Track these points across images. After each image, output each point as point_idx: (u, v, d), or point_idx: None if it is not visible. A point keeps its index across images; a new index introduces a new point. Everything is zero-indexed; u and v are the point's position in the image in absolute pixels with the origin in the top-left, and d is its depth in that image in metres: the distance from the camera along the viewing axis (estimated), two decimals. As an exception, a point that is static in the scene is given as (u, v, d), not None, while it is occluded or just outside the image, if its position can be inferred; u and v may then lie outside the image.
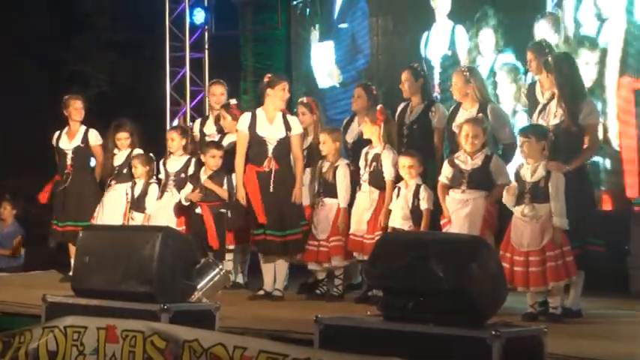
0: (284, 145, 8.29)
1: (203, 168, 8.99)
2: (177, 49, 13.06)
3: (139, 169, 9.40)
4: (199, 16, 13.07)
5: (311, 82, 11.88)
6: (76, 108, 9.93)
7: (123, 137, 9.72)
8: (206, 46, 13.14)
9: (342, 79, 11.40)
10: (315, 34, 12.07)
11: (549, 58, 7.38)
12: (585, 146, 7.20)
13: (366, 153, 8.30)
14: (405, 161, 7.94)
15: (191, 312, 6.06)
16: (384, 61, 10.07)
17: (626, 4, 8.57)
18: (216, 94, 9.65)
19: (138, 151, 9.71)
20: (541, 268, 6.91)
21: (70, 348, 5.80)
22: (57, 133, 10.04)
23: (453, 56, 9.45)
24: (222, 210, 8.79)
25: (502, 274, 5.45)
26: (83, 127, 9.97)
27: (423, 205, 7.83)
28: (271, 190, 8.21)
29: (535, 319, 6.84)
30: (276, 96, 8.29)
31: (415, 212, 7.87)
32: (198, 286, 6.55)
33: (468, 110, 7.83)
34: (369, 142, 8.32)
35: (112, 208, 9.55)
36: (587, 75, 8.64)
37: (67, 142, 9.95)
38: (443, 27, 9.31)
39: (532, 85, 7.90)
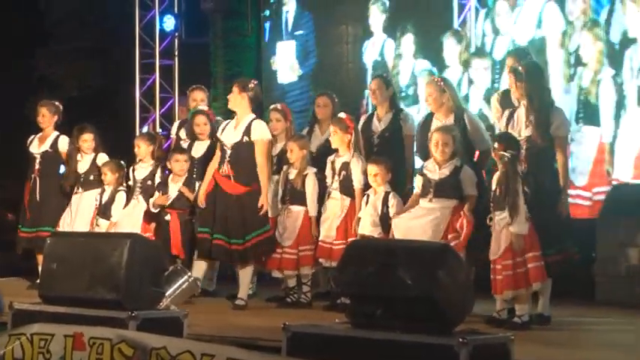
0: (240, 150, 8.24)
1: (171, 175, 8.98)
2: (147, 56, 13.04)
3: (109, 176, 9.35)
4: (169, 22, 13.06)
5: (273, 80, 12.09)
6: (43, 115, 9.86)
7: (89, 139, 9.66)
8: (176, 53, 13.14)
9: (300, 72, 11.74)
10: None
11: (519, 67, 7.40)
12: (559, 161, 7.20)
13: (333, 161, 8.30)
14: (372, 169, 7.94)
15: (159, 319, 6.05)
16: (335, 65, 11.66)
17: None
18: (197, 99, 9.59)
19: (102, 155, 9.67)
20: (504, 275, 6.96)
21: (37, 355, 5.76)
22: (31, 137, 9.98)
23: (382, 61, 10.96)
24: (189, 217, 8.79)
25: (470, 282, 5.49)
26: (55, 133, 9.90)
27: (392, 212, 7.83)
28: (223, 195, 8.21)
29: (499, 325, 6.88)
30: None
31: (384, 219, 7.87)
32: (167, 294, 6.54)
33: (442, 120, 7.83)
34: (333, 149, 8.33)
35: (79, 216, 9.50)
36: (483, 80, 10.09)
37: (37, 146, 9.89)
38: (377, 38, 11.07)
39: (507, 91, 7.94)
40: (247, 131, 8.25)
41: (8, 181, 11.82)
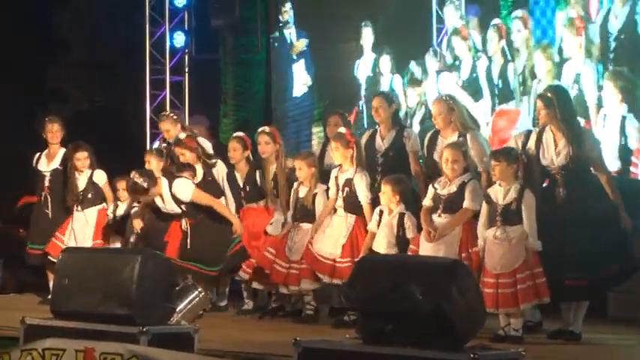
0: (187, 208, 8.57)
1: None
2: (158, 72, 13.09)
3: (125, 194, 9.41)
4: (179, 39, 13.12)
5: (288, 97, 12.29)
6: (52, 131, 9.84)
7: (82, 157, 9.66)
8: (186, 70, 13.18)
9: (309, 83, 12.08)
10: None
11: (549, 94, 7.29)
12: (602, 179, 7.10)
13: (336, 177, 8.27)
14: (394, 188, 7.80)
15: (170, 334, 6.05)
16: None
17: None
18: (163, 130, 9.61)
19: (99, 172, 9.69)
20: (511, 290, 6.97)
21: (48, 370, 5.77)
22: (37, 154, 10.01)
23: (374, 76, 11.43)
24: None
25: (481, 298, 5.48)
26: (62, 150, 9.92)
27: (409, 234, 7.76)
28: (188, 246, 8.53)
29: (503, 340, 6.88)
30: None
31: (400, 241, 7.78)
32: (178, 309, 6.54)
33: (447, 138, 7.84)
34: None
35: (80, 234, 9.54)
36: (456, 92, 10.09)
37: (46, 164, 9.91)
38: (368, 56, 11.68)
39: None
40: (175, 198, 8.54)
41: (19, 195, 11.83)
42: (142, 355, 5.52)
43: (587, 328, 7.36)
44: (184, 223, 8.60)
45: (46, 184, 9.83)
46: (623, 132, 8.71)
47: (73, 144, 9.76)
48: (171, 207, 8.60)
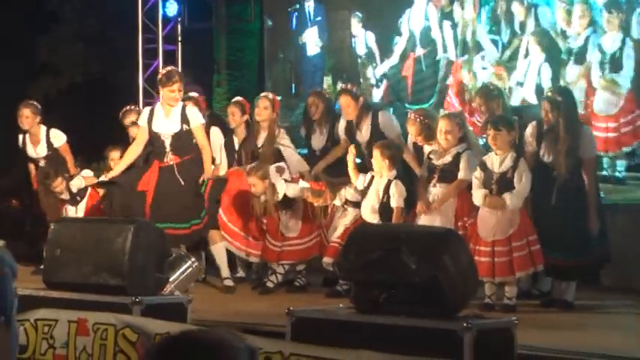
0: (180, 138, 8.33)
1: None
2: (150, 41, 12.99)
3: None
4: (172, 8, 13.00)
5: (303, 54, 12.06)
6: (27, 116, 9.63)
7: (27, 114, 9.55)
8: (179, 39, 13.09)
9: (321, 44, 11.81)
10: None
11: (555, 96, 7.37)
12: (587, 181, 7.26)
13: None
14: (376, 153, 7.70)
15: (163, 305, 6.05)
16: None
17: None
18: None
19: (87, 172, 9.60)
20: (507, 258, 6.99)
21: (41, 341, 5.77)
22: (21, 136, 9.78)
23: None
24: None
25: (474, 267, 5.48)
26: (43, 131, 9.69)
27: (393, 202, 7.67)
28: (182, 183, 8.28)
29: (492, 309, 6.90)
30: (166, 95, 8.35)
31: (384, 208, 7.70)
32: (171, 279, 6.54)
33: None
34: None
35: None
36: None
37: (34, 150, 9.70)
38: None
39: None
40: (184, 119, 8.33)
41: (13, 167, 11.80)
42: (135, 325, 5.53)
43: (581, 295, 7.38)
44: (168, 157, 8.34)
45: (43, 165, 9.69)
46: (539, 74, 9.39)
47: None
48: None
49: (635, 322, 7.07)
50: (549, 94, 7.71)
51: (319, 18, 11.86)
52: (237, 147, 9.01)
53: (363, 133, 8.47)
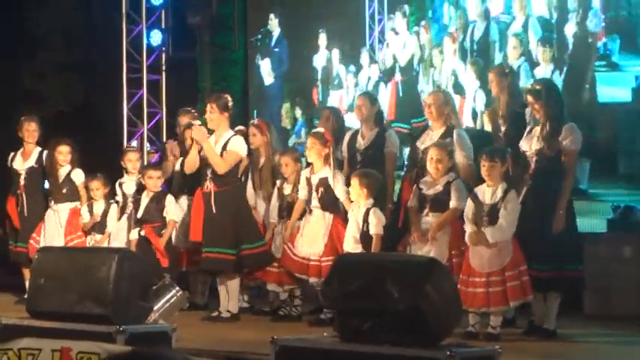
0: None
1: (145, 191, 9.00)
2: (135, 71, 13.03)
3: (100, 191, 9.37)
4: (156, 37, 13.04)
5: (262, 85, 12.52)
6: (29, 130, 9.83)
7: (65, 151, 9.64)
8: (163, 68, 13.13)
9: (274, 75, 12.42)
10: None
11: (538, 87, 7.41)
12: (565, 175, 7.22)
13: (308, 178, 8.24)
14: (362, 181, 7.78)
15: (147, 333, 6.05)
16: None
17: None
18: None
19: (77, 171, 9.64)
20: (501, 288, 7.00)
21: (25, 370, 5.75)
22: (12, 154, 9.97)
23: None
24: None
25: (457, 295, 5.51)
26: (38, 149, 9.89)
27: (372, 230, 7.72)
28: (213, 210, 8.19)
29: (476, 337, 6.92)
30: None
31: (364, 236, 7.75)
32: (155, 308, 6.54)
33: (435, 131, 7.91)
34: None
35: (50, 231, 9.51)
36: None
37: (21, 162, 9.87)
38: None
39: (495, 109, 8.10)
40: (225, 145, 8.26)
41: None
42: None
43: (563, 324, 7.41)
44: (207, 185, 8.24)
45: (22, 182, 9.80)
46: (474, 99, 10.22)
47: (56, 139, 9.75)
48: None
49: (618, 351, 7.10)
50: (529, 86, 7.79)
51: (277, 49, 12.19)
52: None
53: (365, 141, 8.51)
